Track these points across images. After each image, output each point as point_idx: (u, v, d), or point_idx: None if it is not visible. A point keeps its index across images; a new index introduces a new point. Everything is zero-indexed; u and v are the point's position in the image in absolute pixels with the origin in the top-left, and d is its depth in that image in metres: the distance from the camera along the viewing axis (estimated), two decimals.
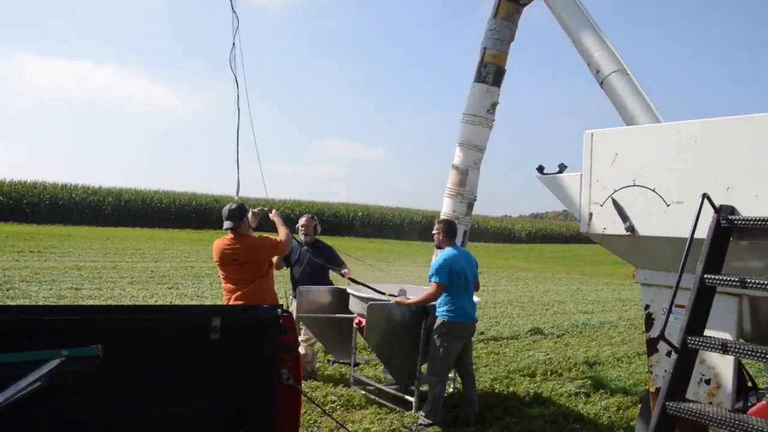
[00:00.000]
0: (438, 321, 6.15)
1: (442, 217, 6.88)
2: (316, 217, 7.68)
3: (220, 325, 2.60)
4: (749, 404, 3.96)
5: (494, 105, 6.75)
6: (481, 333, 11.07)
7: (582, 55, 5.73)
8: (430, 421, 5.96)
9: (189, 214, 41.26)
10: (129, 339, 2.60)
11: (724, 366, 3.74)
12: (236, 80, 6.34)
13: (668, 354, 3.67)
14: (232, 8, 6.34)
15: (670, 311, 3.03)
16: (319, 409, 6.41)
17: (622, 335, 12.09)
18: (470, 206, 6.94)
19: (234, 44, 6.35)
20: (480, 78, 6.72)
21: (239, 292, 5.70)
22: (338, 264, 7.54)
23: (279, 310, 2.74)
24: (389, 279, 7.32)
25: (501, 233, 56.30)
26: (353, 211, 49.77)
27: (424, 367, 6.64)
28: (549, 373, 8.50)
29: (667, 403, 2.98)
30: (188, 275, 16.96)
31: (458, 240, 6.77)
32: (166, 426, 2.67)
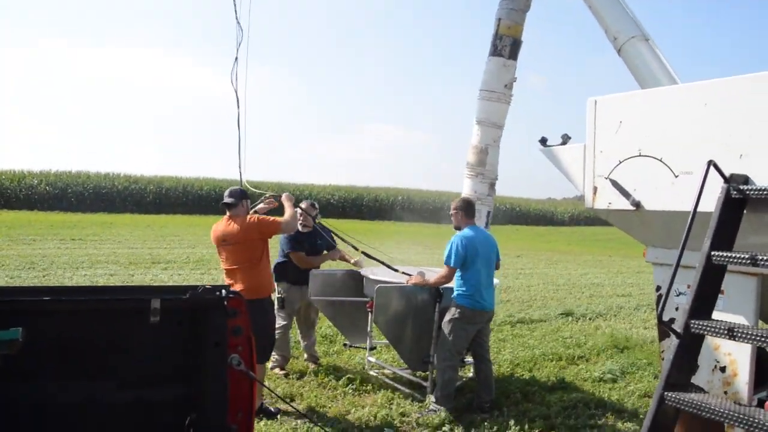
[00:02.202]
0: (452, 302, 5.90)
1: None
2: (316, 204, 7.29)
3: (160, 307, 2.41)
4: None
5: (512, 81, 6.43)
6: (510, 316, 10.78)
7: (599, 22, 5.38)
8: (441, 407, 5.72)
9: None
10: (61, 322, 2.43)
11: (740, 353, 3.42)
12: (237, 97, 6.22)
13: None
14: (237, 21, 6.16)
15: (668, 292, 2.74)
16: (332, 392, 6.30)
17: (657, 319, 11.61)
18: (492, 186, 6.65)
19: (237, 58, 6.18)
20: (495, 51, 6.39)
21: (232, 279, 5.53)
22: (332, 246, 7.23)
23: (224, 291, 2.53)
24: (412, 262, 7.11)
25: (543, 216, 55.41)
26: (393, 195, 49.55)
27: None
28: (576, 357, 8.17)
29: (665, 393, 2.69)
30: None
31: (481, 221, 6.49)
32: (107, 413, 2.51)
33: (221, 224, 5.64)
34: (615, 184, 3.57)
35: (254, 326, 5.66)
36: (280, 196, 6.09)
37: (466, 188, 6.68)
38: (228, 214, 5.60)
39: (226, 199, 5.61)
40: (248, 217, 5.56)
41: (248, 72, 6.21)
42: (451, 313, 5.87)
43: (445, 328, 5.87)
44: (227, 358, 2.47)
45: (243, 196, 5.67)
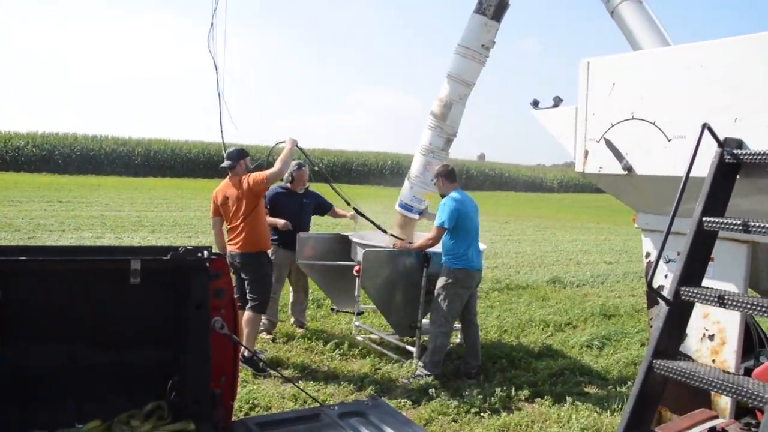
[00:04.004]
0: (444, 269, 5.87)
1: (417, 150, 6.58)
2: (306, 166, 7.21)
3: (140, 269, 2.35)
4: (761, 363, 3.62)
5: (490, 42, 6.29)
6: (497, 282, 10.79)
7: None
8: (428, 373, 5.72)
9: (218, 163, 40.96)
10: (38, 283, 2.36)
11: (729, 321, 3.40)
12: (216, 65, 6.30)
13: None
14: None
15: (659, 258, 2.69)
16: (319, 356, 6.28)
17: (645, 286, 11.62)
18: (448, 142, 6.53)
19: (213, 24, 6.16)
20: (480, 9, 6.22)
21: (232, 234, 5.91)
22: (328, 207, 7.30)
23: (206, 252, 2.47)
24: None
25: (532, 183, 55.36)
26: (383, 159, 49.29)
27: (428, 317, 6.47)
28: (563, 324, 8.19)
29: (654, 361, 2.65)
30: (210, 224, 16.81)
31: (430, 175, 6.42)
32: (86, 376, 2.46)
33: (223, 184, 6.04)
34: (609, 143, 3.49)
35: (251, 277, 5.71)
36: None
37: (423, 139, 6.58)
38: (229, 174, 5.97)
39: (224, 164, 5.98)
40: (244, 177, 5.87)
41: (231, 37, 6.18)
42: (444, 279, 5.84)
43: (440, 294, 5.85)
44: (210, 321, 2.41)
45: (240, 156, 5.97)
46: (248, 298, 5.86)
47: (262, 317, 6.18)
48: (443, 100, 6.40)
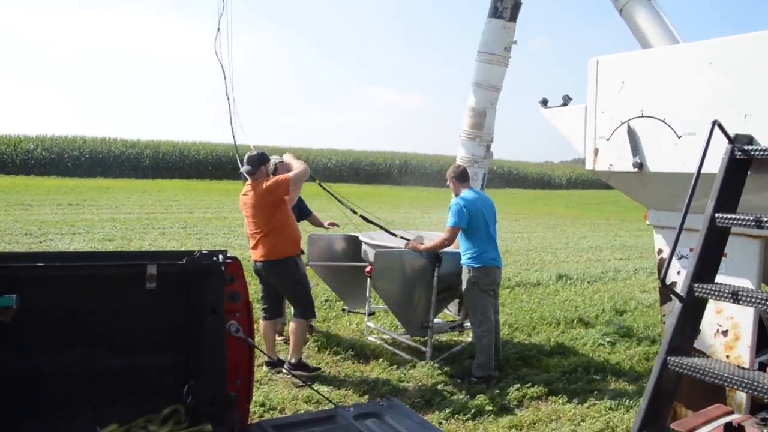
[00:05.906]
0: (464, 270, 5.88)
1: (458, 161, 6.56)
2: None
3: (156, 273, 2.37)
4: None
5: (511, 43, 6.32)
6: (508, 279, 10.77)
7: None
8: (483, 374, 5.74)
9: (227, 164, 41.13)
10: (55, 288, 2.39)
11: (743, 316, 3.39)
12: (223, 69, 6.22)
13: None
14: None
15: (671, 255, 2.69)
16: (332, 358, 6.30)
17: (657, 282, 11.59)
18: (488, 148, 6.60)
19: (219, 29, 6.14)
20: (496, 13, 6.26)
21: (254, 241, 5.67)
22: (306, 213, 7.09)
23: (221, 257, 2.49)
24: (410, 225, 7.07)
25: (540, 179, 55.16)
26: (390, 159, 49.27)
27: (460, 316, 6.60)
28: (574, 321, 8.17)
29: (668, 357, 2.66)
30: (220, 225, 16.90)
31: (477, 183, 6.48)
32: (103, 380, 2.49)
33: (245, 190, 5.76)
34: (617, 145, 3.49)
35: (286, 284, 5.67)
36: (281, 159, 6.09)
37: (462, 151, 6.62)
38: (249, 180, 5.68)
39: (245, 168, 5.67)
40: (263, 181, 5.59)
41: (238, 39, 6.17)
42: (466, 280, 5.85)
43: (467, 296, 5.90)
44: (225, 325, 2.44)
45: (261, 162, 5.69)
46: (293, 306, 5.84)
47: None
48: (476, 109, 6.44)
